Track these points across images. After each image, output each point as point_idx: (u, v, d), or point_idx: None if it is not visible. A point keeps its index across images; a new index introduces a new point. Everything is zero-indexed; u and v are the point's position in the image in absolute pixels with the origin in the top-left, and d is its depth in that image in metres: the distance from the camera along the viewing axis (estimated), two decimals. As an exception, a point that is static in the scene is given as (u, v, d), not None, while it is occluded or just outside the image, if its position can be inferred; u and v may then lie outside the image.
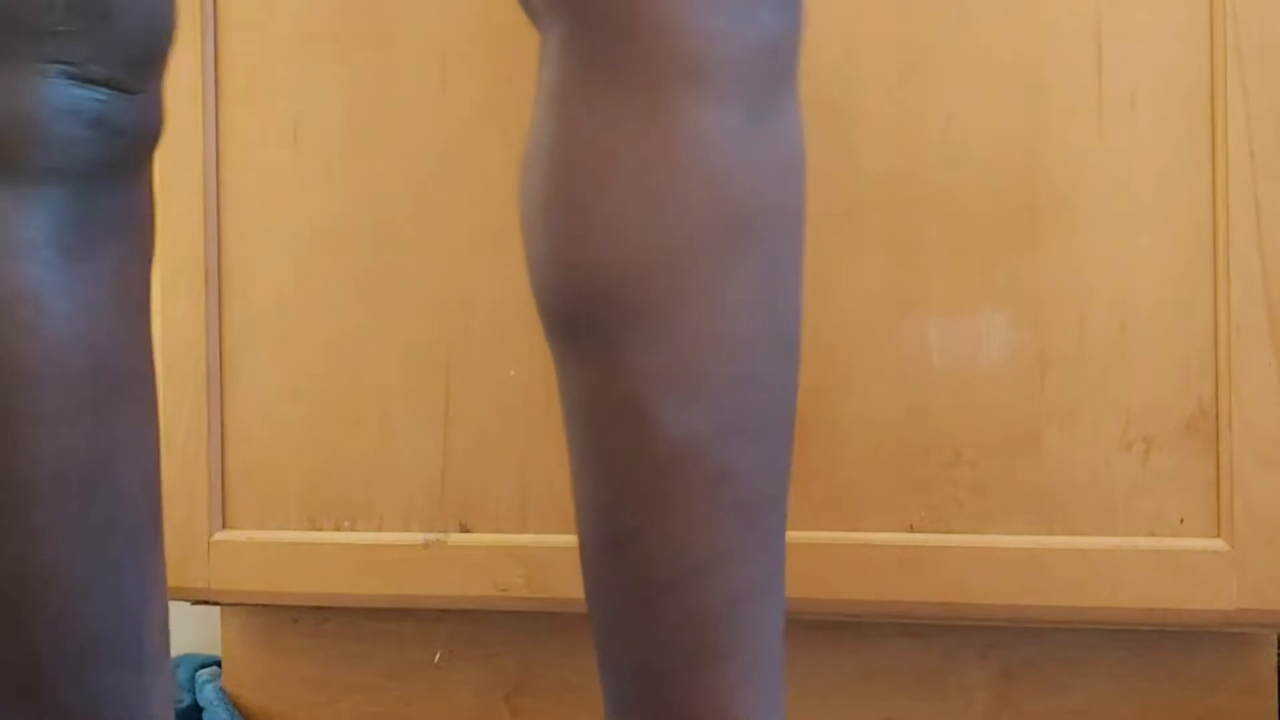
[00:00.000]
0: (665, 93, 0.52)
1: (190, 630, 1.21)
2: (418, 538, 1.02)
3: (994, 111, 0.94)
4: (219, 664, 1.15)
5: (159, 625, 0.62)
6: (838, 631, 1.01)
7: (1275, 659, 0.97)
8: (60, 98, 0.56)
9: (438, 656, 1.09)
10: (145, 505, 0.60)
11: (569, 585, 0.97)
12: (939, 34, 0.94)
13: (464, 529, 1.02)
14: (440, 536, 1.02)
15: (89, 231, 0.57)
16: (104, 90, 0.56)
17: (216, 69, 1.06)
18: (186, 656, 1.19)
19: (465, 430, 1.02)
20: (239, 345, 1.06)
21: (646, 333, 0.55)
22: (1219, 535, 0.91)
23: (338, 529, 1.04)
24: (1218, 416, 0.91)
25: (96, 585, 0.58)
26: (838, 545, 0.95)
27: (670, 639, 0.61)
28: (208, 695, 1.11)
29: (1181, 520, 0.92)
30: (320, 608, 1.09)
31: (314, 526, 1.05)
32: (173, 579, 1.06)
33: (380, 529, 1.04)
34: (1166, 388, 0.92)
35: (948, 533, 0.94)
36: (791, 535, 0.94)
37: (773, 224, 0.56)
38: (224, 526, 1.06)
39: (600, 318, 0.56)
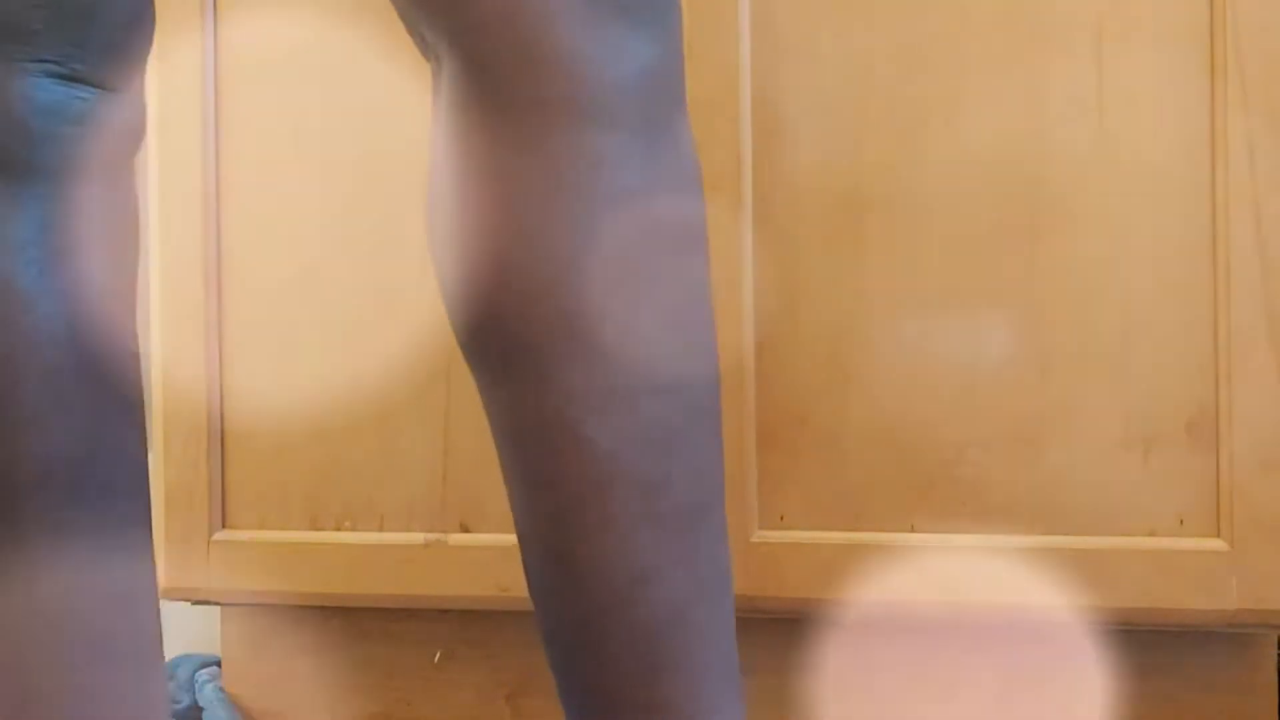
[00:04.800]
0: (557, 121, 0.56)
1: (190, 630, 1.21)
2: (419, 538, 1.02)
3: (994, 111, 0.94)
4: (219, 664, 1.15)
5: (151, 623, 0.62)
6: (840, 631, 1.01)
7: (1275, 659, 0.97)
8: (44, 96, 0.56)
9: (438, 656, 1.09)
10: (132, 503, 0.61)
11: (569, 585, 0.97)
12: (939, 34, 0.94)
13: (465, 529, 1.02)
14: (441, 536, 1.02)
15: (74, 231, 0.57)
16: (87, 88, 0.57)
17: (216, 68, 1.06)
18: (186, 656, 1.19)
19: (466, 430, 1.02)
20: (239, 345, 1.06)
21: (567, 351, 0.58)
22: (1219, 535, 0.91)
23: (338, 529, 1.04)
24: (1217, 417, 0.91)
25: (86, 583, 0.58)
26: (839, 545, 0.95)
27: (619, 654, 0.62)
28: (208, 695, 1.11)
29: (1181, 520, 0.92)
30: (321, 608, 1.09)
31: (315, 526, 1.05)
32: (173, 579, 1.06)
33: (381, 529, 1.04)
34: (1166, 388, 0.92)
35: (949, 533, 0.94)
36: (793, 535, 0.95)
37: (677, 239, 0.59)
38: (224, 526, 1.06)
39: (522, 339, 0.59)
